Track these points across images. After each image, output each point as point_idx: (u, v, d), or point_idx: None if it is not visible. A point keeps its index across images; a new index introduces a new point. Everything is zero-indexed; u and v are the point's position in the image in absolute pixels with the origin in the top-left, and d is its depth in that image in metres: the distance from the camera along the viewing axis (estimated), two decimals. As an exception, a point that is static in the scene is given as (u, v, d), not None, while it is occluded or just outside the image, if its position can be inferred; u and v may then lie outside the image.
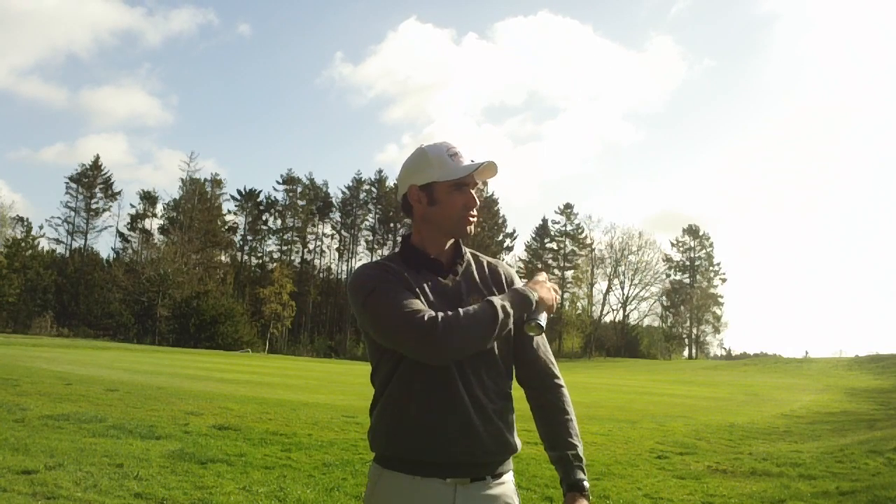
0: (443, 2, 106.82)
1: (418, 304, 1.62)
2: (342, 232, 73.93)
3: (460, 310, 1.62)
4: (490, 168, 1.76)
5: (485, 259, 1.88)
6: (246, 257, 72.56)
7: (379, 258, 1.87)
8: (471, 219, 1.78)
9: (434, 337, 1.55)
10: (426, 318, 1.57)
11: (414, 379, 1.66)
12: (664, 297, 73.64)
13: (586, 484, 1.72)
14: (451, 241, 1.82)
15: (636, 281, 71.68)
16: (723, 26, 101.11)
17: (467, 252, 1.86)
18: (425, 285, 1.73)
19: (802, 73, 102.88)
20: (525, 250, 73.54)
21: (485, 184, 1.82)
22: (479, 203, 1.79)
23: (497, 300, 1.66)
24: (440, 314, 1.58)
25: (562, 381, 1.85)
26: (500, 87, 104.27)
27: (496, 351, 1.74)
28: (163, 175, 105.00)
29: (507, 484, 1.73)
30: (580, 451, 1.78)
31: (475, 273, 1.81)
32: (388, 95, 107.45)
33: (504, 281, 1.84)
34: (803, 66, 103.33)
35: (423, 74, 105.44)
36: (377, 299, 1.63)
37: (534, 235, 74.57)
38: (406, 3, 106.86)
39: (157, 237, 63.53)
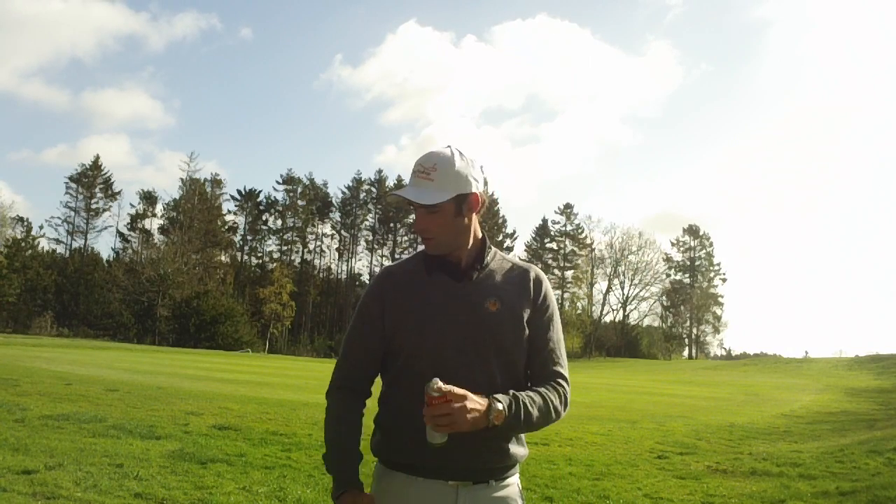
0: (441, 5, 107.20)
1: (351, 370, 1.77)
2: (342, 232, 73.95)
3: (337, 410, 1.75)
4: (413, 199, 1.68)
5: (514, 263, 1.82)
6: (246, 257, 72.56)
7: (409, 254, 1.85)
8: (425, 239, 1.72)
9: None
10: (333, 383, 1.78)
11: (418, 386, 1.64)
12: (664, 297, 73.67)
13: (499, 406, 1.56)
14: (475, 243, 1.77)
15: (636, 281, 71.74)
16: (719, 31, 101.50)
17: (494, 255, 1.80)
18: (436, 288, 1.71)
19: (802, 74, 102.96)
20: (525, 250, 73.63)
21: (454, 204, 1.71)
22: (422, 226, 1.71)
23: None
24: (342, 391, 1.76)
25: (563, 380, 1.74)
26: (498, 89, 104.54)
27: (508, 357, 1.70)
28: (165, 177, 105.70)
29: (511, 487, 1.72)
30: (527, 399, 1.62)
31: (497, 278, 1.75)
32: (387, 97, 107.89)
33: (531, 287, 1.77)
34: (803, 67, 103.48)
35: (421, 77, 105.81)
36: (348, 331, 1.81)
37: (534, 235, 74.69)
38: (405, 7, 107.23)
39: (157, 237, 63.58)
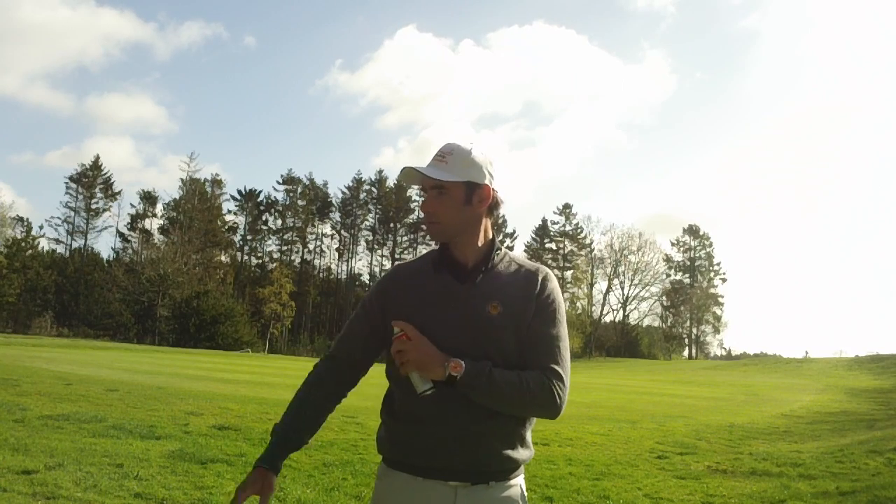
0: (439, 12, 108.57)
1: (341, 344, 1.81)
2: (342, 232, 73.95)
3: (320, 375, 1.82)
4: (414, 175, 1.71)
5: (522, 264, 1.79)
6: (246, 257, 72.56)
7: (409, 255, 1.85)
8: (430, 224, 1.74)
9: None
10: (328, 352, 1.84)
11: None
12: (664, 297, 73.67)
13: (462, 363, 1.57)
14: (484, 243, 1.76)
15: (636, 281, 71.78)
16: (712, 39, 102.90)
17: (504, 257, 1.78)
18: (440, 288, 1.71)
19: (800, 76, 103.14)
20: (525, 250, 73.58)
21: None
22: (430, 208, 1.72)
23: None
24: (335, 360, 1.80)
25: (553, 375, 1.62)
26: (496, 94, 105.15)
27: (508, 362, 1.66)
28: (167, 179, 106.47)
29: (513, 488, 1.69)
30: (498, 371, 1.59)
31: (501, 280, 1.72)
32: (385, 101, 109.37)
33: (537, 287, 1.72)
34: (801, 69, 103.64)
35: (419, 81, 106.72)
36: (350, 317, 1.85)
37: (533, 236, 74.66)
38: (404, 13, 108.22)
39: (157, 237, 63.55)
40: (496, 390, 1.58)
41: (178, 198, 64.13)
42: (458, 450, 1.62)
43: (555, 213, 75.54)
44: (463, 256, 1.74)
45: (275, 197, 72.20)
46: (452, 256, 1.75)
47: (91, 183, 64.36)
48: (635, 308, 72.95)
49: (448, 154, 1.71)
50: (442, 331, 1.65)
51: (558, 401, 1.63)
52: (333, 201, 73.43)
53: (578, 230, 73.71)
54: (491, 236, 1.79)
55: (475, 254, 1.75)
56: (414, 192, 73.02)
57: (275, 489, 1.68)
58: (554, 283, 1.76)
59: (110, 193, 65.74)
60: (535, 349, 1.67)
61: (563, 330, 1.72)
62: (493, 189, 1.74)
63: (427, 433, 1.64)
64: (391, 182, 73.76)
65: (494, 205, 1.76)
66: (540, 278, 1.74)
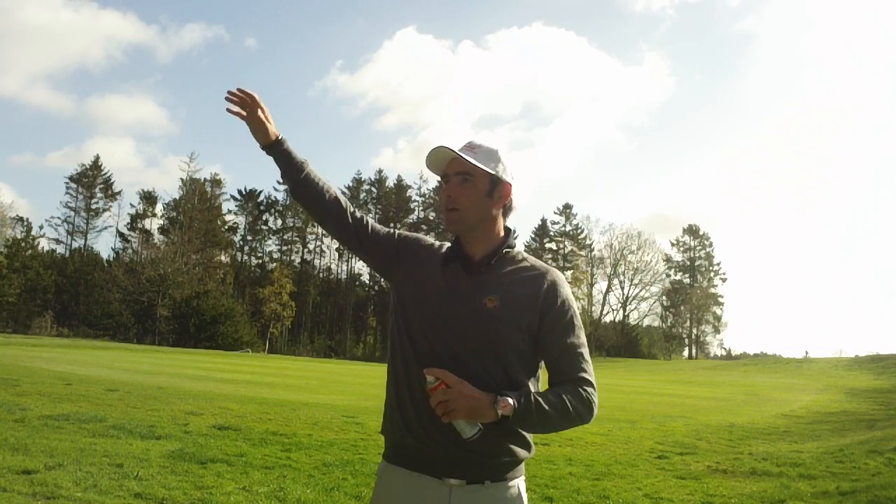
0: (437, 13, 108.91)
1: (379, 223, 1.89)
2: (342, 232, 73.88)
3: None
4: (439, 157, 1.74)
5: (533, 264, 1.78)
6: (246, 257, 72.56)
7: (446, 240, 1.89)
8: (449, 211, 1.75)
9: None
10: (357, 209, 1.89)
11: (415, 374, 1.67)
12: (664, 297, 73.67)
13: (508, 398, 1.55)
14: (496, 241, 1.77)
15: (636, 281, 71.77)
16: (710, 41, 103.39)
17: (516, 255, 1.79)
18: (446, 277, 1.73)
19: (800, 75, 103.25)
20: (524, 250, 73.16)
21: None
22: (452, 193, 1.73)
23: None
24: (352, 206, 1.87)
25: (585, 384, 1.67)
26: (495, 95, 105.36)
27: (498, 357, 1.66)
28: (168, 180, 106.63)
29: (512, 489, 1.67)
30: (541, 396, 1.60)
31: (506, 276, 1.73)
32: (384, 102, 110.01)
33: (544, 291, 1.71)
34: (800, 67, 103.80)
35: (419, 82, 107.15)
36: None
37: (533, 236, 74.61)
38: (402, 14, 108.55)
39: (157, 237, 63.52)
40: (546, 419, 1.60)
41: (178, 198, 64.13)
42: (456, 440, 1.61)
43: (555, 213, 75.62)
44: (472, 250, 1.76)
45: (275, 197, 72.26)
46: (462, 249, 1.77)
47: (91, 183, 64.34)
48: (635, 308, 73.04)
49: (478, 147, 1.76)
50: (440, 319, 1.68)
51: (594, 409, 1.68)
52: (333, 201, 73.43)
53: (578, 230, 73.76)
54: (503, 234, 1.81)
55: (484, 249, 1.76)
56: (414, 191, 73.07)
57: (260, 123, 1.77)
58: (565, 289, 1.77)
59: (110, 193, 65.75)
60: (561, 361, 1.70)
61: (583, 334, 1.75)
62: (512, 190, 1.79)
63: (427, 418, 1.63)
64: (391, 182, 73.88)
65: (510, 206, 1.80)
66: (547, 282, 1.73)
